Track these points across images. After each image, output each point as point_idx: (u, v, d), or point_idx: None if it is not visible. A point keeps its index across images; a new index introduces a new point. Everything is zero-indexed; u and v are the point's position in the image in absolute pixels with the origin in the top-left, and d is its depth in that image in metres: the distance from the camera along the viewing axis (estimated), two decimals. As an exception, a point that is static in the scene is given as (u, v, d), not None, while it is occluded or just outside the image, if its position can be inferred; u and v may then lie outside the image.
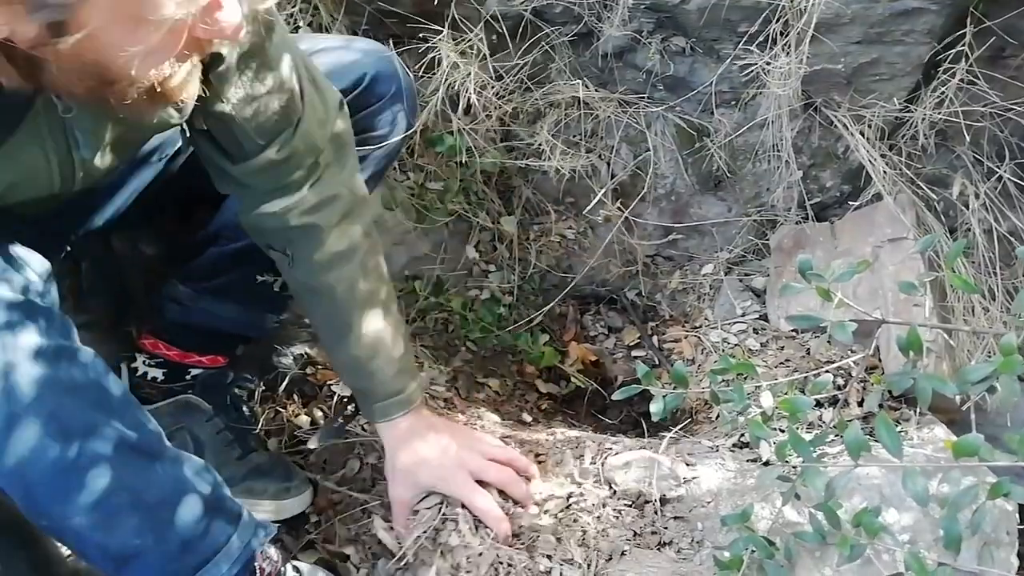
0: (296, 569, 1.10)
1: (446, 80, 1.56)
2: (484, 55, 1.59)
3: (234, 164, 1.08)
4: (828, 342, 1.49)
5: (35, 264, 0.90)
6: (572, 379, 1.81)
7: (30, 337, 0.84)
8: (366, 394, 1.25)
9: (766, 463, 1.33)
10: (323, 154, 1.13)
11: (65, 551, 1.17)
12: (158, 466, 0.94)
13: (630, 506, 1.28)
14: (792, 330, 1.62)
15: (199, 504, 0.96)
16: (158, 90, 0.82)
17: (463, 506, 1.23)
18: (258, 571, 1.02)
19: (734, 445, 1.41)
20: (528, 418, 1.66)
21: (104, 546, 0.90)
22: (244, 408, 1.41)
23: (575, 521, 1.25)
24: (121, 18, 0.72)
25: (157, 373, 1.35)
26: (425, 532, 1.22)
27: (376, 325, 1.22)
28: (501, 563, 1.20)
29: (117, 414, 0.91)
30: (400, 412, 1.24)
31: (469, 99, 1.58)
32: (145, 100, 0.82)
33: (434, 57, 1.59)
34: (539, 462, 1.37)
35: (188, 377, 1.36)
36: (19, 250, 0.89)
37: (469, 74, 1.54)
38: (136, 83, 0.79)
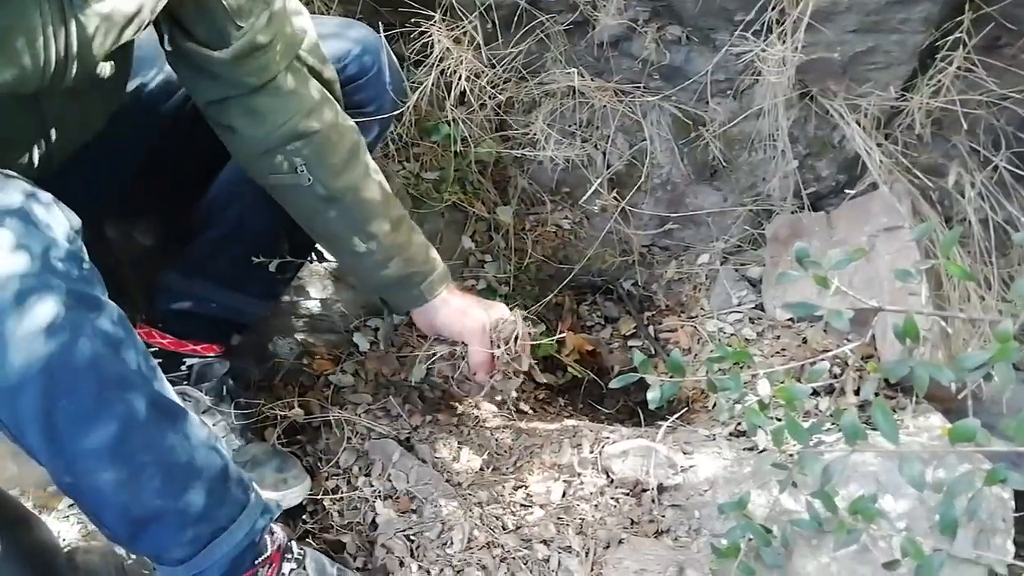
0: (300, 548, 1.10)
1: (439, 65, 1.55)
2: (478, 43, 1.58)
3: (215, 51, 1.07)
4: (824, 330, 1.49)
5: (62, 220, 0.89)
6: (569, 369, 1.80)
7: (60, 284, 0.84)
8: (408, 280, 1.28)
9: (762, 451, 1.33)
10: (300, 52, 1.15)
11: (63, 539, 1.17)
12: (181, 429, 0.93)
13: (627, 494, 1.28)
14: (788, 319, 1.62)
15: (218, 472, 0.96)
16: None
17: None
18: (269, 544, 1.02)
19: (731, 434, 1.41)
20: (526, 408, 1.67)
21: (126, 507, 0.90)
22: (241, 398, 1.40)
23: (573, 509, 1.26)
24: None
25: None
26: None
27: (400, 211, 1.27)
28: (499, 546, 1.21)
29: (145, 373, 0.91)
30: (444, 286, 1.31)
31: (462, 87, 1.57)
32: None
33: (427, 43, 1.58)
34: (536, 451, 1.37)
35: (183, 367, 1.36)
36: (41, 208, 0.88)
37: (462, 61, 1.53)
38: None
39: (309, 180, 1.19)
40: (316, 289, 1.61)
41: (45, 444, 0.85)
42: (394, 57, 1.35)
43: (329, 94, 1.19)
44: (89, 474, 0.88)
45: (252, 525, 0.99)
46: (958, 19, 1.40)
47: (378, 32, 1.34)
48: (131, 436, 0.88)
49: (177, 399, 0.97)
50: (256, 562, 1.01)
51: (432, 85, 1.56)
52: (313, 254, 1.53)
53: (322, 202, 1.22)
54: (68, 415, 0.84)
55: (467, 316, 1.31)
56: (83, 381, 0.85)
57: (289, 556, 1.06)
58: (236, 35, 1.07)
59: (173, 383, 1.33)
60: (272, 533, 1.05)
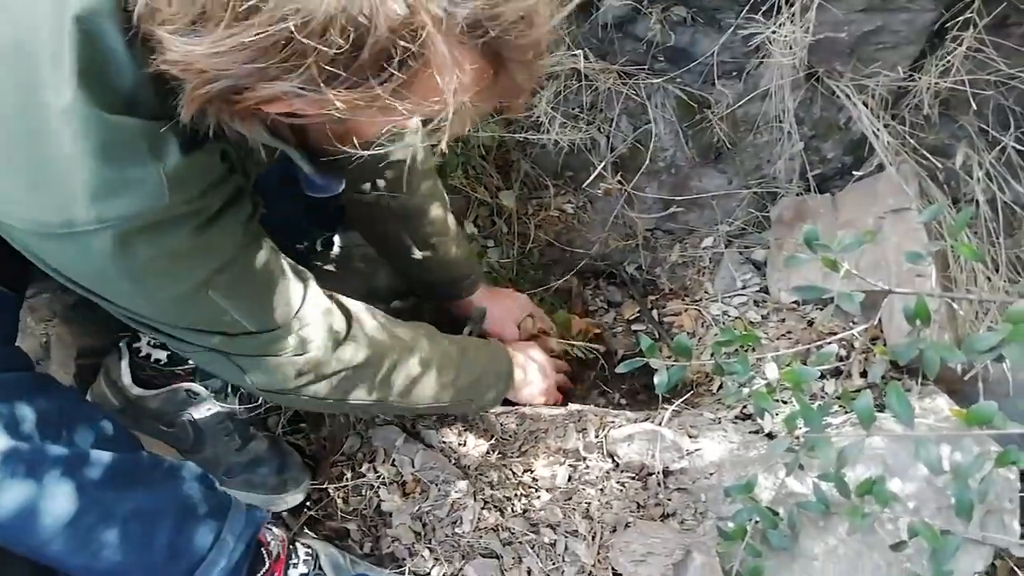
0: (308, 547, 1.10)
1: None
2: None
3: None
4: (831, 314, 1.48)
5: None
6: (575, 349, 1.80)
7: None
8: (452, 281, 1.50)
9: (769, 435, 1.33)
10: None
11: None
12: (129, 475, 0.93)
13: (633, 478, 1.28)
14: (793, 302, 1.61)
15: (180, 506, 0.96)
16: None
17: None
18: (264, 554, 1.02)
19: (736, 417, 1.41)
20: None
21: (88, 567, 0.91)
22: (244, 392, 1.39)
23: (579, 494, 1.26)
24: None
25: (160, 355, 1.33)
26: None
27: (453, 221, 1.45)
28: (506, 530, 1.20)
29: (74, 425, 0.91)
30: (481, 285, 1.55)
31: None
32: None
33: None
34: (541, 436, 1.37)
35: (190, 360, 1.35)
36: None
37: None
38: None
39: (389, 199, 1.30)
40: (320, 276, 1.60)
41: None
42: None
43: None
44: (40, 546, 0.88)
45: (234, 544, 0.99)
46: (968, -2, 1.38)
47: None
48: (69, 502, 0.88)
49: (125, 433, 0.97)
50: None
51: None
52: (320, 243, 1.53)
53: (395, 217, 1.34)
54: (7, 511, 0.85)
55: (505, 320, 1.57)
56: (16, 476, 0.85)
57: (295, 560, 1.06)
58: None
59: (179, 376, 1.34)
60: (267, 544, 1.04)
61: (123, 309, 0.89)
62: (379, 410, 1.15)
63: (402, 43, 0.66)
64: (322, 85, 0.67)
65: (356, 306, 1.13)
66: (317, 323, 1.02)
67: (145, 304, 0.88)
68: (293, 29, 0.63)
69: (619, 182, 1.79)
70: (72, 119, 0.72)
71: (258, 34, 0.64)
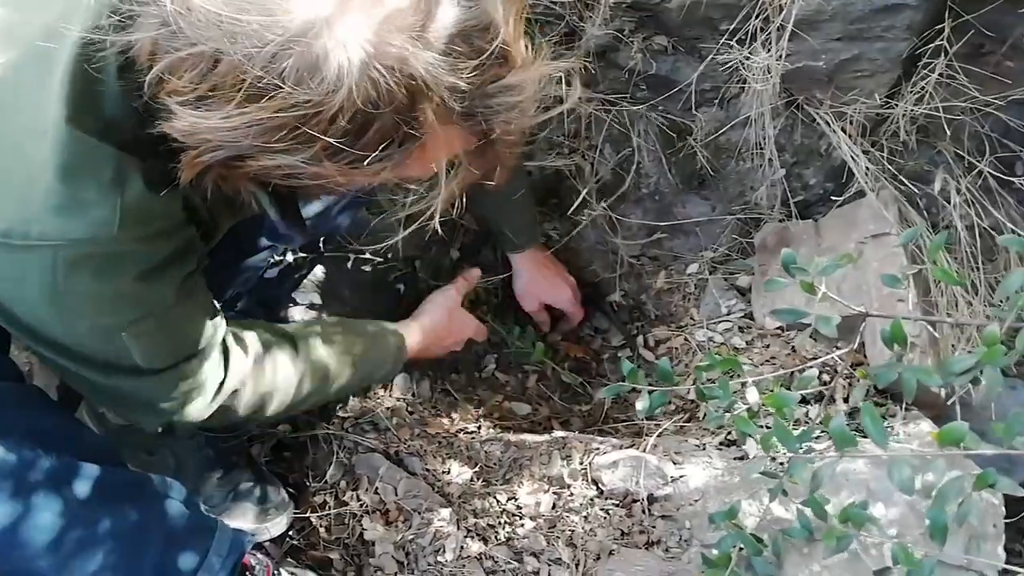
0: (289, 570, 1.09)
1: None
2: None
3: None
4: (813, 338, 1.49)
5: None
6: (563, 377, 1.80)
7: None
8: (524, 226, 1.67)
9: (747, 459, 1.32)
10: None
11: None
12: (117, 491, 0.92)
13: (618, 505, 1.27)
14: (777, 328, 1.62)
15: (167, 525, 0.95)
16: None
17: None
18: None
19: (721, 443, 1.41)
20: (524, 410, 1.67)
21: None
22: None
23: (563, 521, 1.25)
24: None
25: (141, 383, 1.33)
26: None
27: (521, 186, 1.56)
28: (490, 558, 1.19)
29: (63, 439, 0.89)
30: (535, 245, 1.73)
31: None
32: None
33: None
34: (526, 464, 1.36)
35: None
36: None
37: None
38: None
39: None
40: (303, 301, 1.60)
41: None
42: None
43: None
44: (26, 561, 0.86)
45: (220, 567, 0.98)
46: (939, 27, 1.40)
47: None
48: (57, 520, 0.86)
49: (113, 450, 0.96)
50: None
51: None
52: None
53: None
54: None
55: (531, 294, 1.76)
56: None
57: None
58: None
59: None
60: (252, 569, 1.03)
61: (24, 327, 0.86)
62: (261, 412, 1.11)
63: (405, 128, 0.69)
64: (325, 161, 0.69)
65: (252, 342, 1.08)
66: (205, 370, 0.99)
67: (55, 326, 0.85)
68: (305, 116, 0.65)
69: (604, 209, 1.80)
70: (49, 132, 0.73)
71: (270, 116, 0.65)
